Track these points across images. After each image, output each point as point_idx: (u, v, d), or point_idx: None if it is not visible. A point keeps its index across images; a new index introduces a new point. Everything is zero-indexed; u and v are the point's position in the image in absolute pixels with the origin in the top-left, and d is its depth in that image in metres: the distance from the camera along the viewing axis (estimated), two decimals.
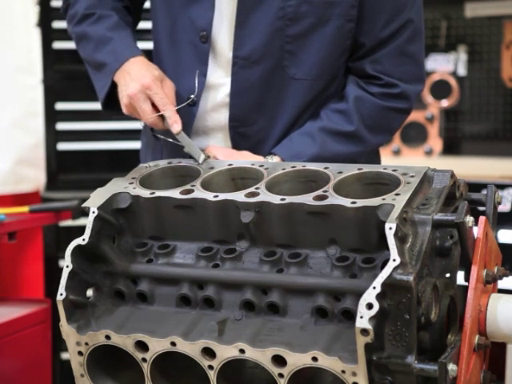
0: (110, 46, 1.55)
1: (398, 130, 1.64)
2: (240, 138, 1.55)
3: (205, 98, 1.55)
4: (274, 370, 1.07)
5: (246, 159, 1.44)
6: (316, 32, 1.49)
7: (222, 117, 1.55)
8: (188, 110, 1.55)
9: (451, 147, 3.37)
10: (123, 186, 1.27)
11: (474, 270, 1.12)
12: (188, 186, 1.24)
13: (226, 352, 1.09)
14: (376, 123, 1.54)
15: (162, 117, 1.44)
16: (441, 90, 3.33)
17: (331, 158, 1.43)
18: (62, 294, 1.16)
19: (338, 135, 1.51)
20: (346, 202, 1.11)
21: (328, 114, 1.53)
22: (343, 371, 1.02)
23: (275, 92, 1.52)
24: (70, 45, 2.62)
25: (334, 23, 1.49)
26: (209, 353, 1.11)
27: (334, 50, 1.51)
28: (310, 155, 1.48)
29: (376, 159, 1.67)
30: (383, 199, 1.10)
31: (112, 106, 1.58)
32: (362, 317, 0.98)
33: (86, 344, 1.17)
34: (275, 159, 1.48)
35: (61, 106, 2.79)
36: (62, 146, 2.80)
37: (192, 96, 1.52)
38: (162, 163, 1.36)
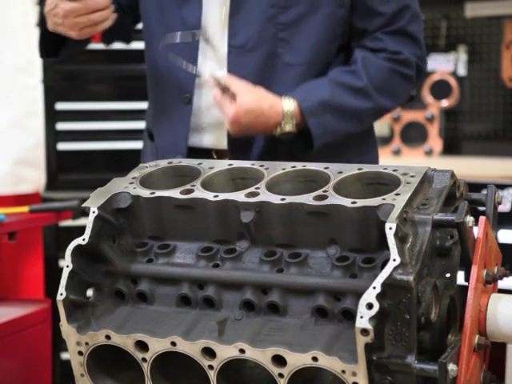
0: None
1: (402, 100, 1.66)
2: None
3: (199, 94, 1.58)
4: (274, 370, 1.07)
5: (259, 96, 1.47)
6: (307, 19, 1.53)
7: (218, 112, 1.56)
8: (184, 108, 1.57)
9: (451, 147, 3.37)
10: (123, 185, 1.27)
11: (474, 270, 1.12)
12: (188, 186, 1.24)
13: (226, 352, 1.09)
14: (382, 84, 1.57)
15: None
16: (441, 89, 3.34)
17: (339, 109, 1.51)
18: (62, 294, 1.16)
19: (348, 88, 1.55)
20: (346, 201, 1.11)
21: (337, 72, 1.57)
22: (343, 371, 1.02)
23: (271, 79, 1.55)
24: None
25: (325, 10, 1.53)
26: (209, 353, 1.11)
27: (326, 36, 1.55)
28: (321, 99, 1.52)
29: (372, 141, 1.71)
30: (383, 199, 1.10)
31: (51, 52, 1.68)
32: (362, 317, 0.98)
33: (86, 344, 1.17)
34: (291, 101, 1.50)
35: (61, 105, 2.79)
36: (62, 146, 2.81)
37: (195, 31, 1.56)
38: (162, 163, 1.36)
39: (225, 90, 1.46)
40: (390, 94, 1.59)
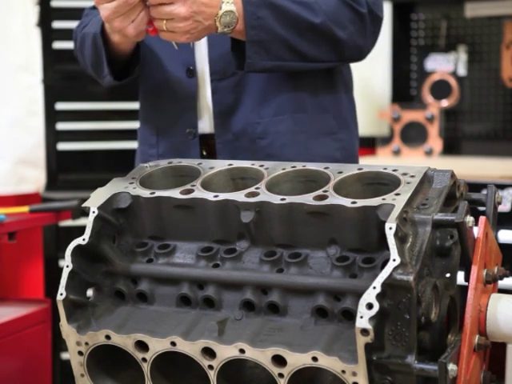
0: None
1: (353, 37, 1.62)
2: (222, 91, 1.63)
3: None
4: (274, 370, 1.07)
5: None
6: None
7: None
8: (188, 82, 1.64)
9: (451, 147, 3.37)
10: (123, 185, 1.27)
11: (474, 270, 1.12)
12: (188, 186, 1.24)
13: (226, 352, 1.09)
14: (331, 11, 1.56)
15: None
16: (441, 89, 3.33)
17: (280, 10, 1.50)
18: (62, 294, 1.16)
19: (295, 1, 1.54)
20: (346, 201, 1.11)
21: None
22: (343, 371, 1.02)
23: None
24: (69, 45, 2.62)
25: None
26: (209, 353, 1.11)
27: None
28: None
29: (337, 94, 1.71)
30: (383, 199, 1.10)
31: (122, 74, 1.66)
32: (362, 317, 0.99)
33: (86, 344, 1.17)
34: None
35: (61, 105, 2.79)
36: (62, 146, 2.80)
37: None
38: (162, 163, 1.36)
39: None
40: (336, 23, 1.57)
